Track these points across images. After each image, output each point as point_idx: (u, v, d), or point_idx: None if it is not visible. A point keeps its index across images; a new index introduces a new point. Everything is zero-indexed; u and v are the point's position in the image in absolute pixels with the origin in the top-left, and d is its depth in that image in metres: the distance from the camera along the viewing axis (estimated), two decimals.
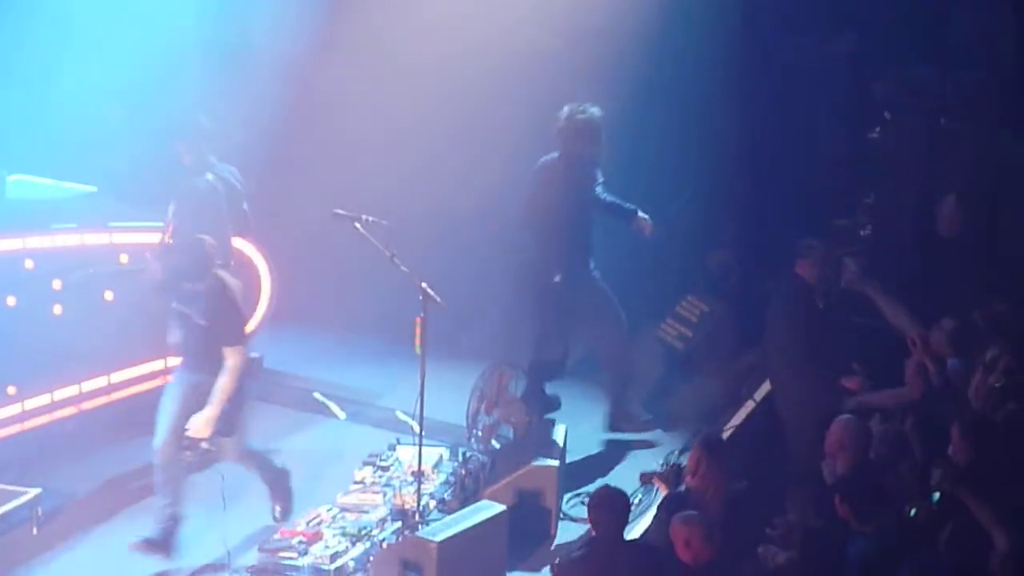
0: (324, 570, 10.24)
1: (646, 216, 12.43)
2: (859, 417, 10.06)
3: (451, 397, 11.79)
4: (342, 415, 13.00)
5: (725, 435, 11.63)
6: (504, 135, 13.82)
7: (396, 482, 11.21)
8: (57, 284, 11.77)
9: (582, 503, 11.06)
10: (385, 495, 11.08)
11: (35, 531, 10.83)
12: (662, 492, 10.40)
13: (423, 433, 10.72)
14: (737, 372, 12.74)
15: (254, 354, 13.11)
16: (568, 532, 11.08)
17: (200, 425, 10.32)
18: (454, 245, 13.90)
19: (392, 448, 11.77)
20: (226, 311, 10.42)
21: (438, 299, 10.53)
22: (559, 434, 11.67)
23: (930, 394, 10.34)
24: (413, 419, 10.98)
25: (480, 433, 11.81)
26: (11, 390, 11.60)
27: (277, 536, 10.50)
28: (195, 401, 10.36)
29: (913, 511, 9.28)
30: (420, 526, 10.51)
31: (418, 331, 10.54)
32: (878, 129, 13.26)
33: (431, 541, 9.95)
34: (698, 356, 13.32)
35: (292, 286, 13.26)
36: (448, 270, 12.07)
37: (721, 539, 8.98)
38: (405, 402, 11.56)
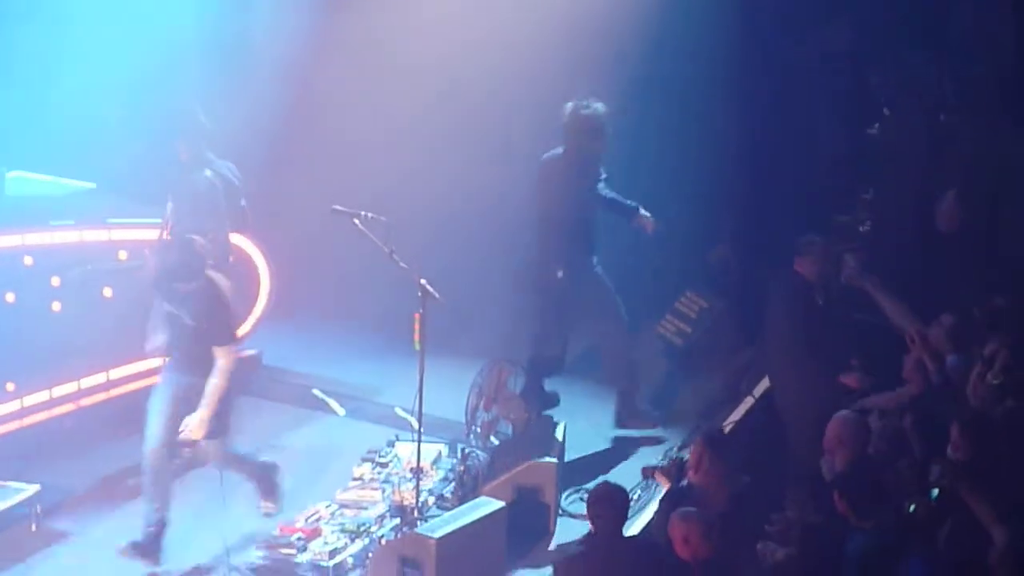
0: (323, 567, 10.25)
1: (648, 214, 12.43)
2: (858, 413, 10.04)
3: (450, 393, 11.79)
4: (341, 411, 13.00)
5: (725, 431, 11.63)
6: (503, 132, 13.85)
7: (395, 478, 11.21)
8: (56, 281, 11.77)
9: (581, 500, 11.06)
10: (384, 491, 11.09)
11: (34, 528, 10.83)
12: (664, 487, 10.39)
13: (422, 429, 10.75)
14: (736, 368, 12.74)
15: (252, 351, 13.17)
16: (567, 528, 11.07)
17: (195, 427, 10.26)
18: (453, 241, 13.91)
19: (391, 444, 11.77)
20: (217, 311, 10.34)
21: (437, 295, 10.54)
22: (558, 431, 11.67)
23: (929, 391, 10.34)
24: (412, 415, 11.01)
25: (479, 429, 11.82)
26: (10, 386, 11.59)
27: (276, 533, 10.50)
28: (185, 403, 10.30)
29: (912, 507, 9.27)
30: (419, 522, 10.51)
31: (417, 327, 10.56)
32: (877, 125, 13.26)
33: (430, 537, 9.95)
34: (697, 352, 13.32)
35: (291, 282, 13.27)
36: (447, 266, 12.10)
37: (721, 535, 8.98)
38: (404, 398, 11.57)
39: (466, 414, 11.86)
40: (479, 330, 13.42)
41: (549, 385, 12.52)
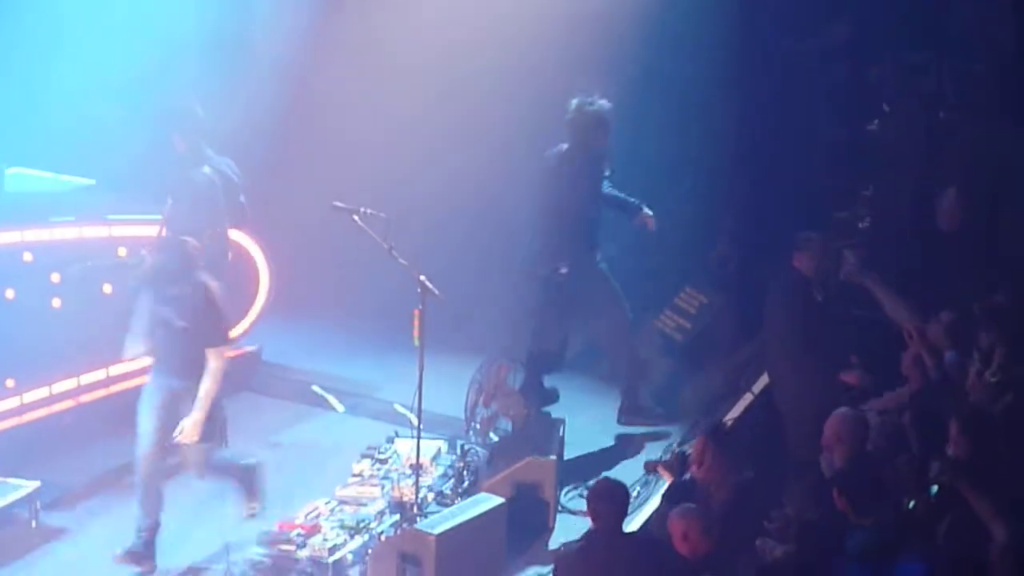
0: (322, 563, 10.24)
1: (650, 212, 12.42)
2: (856, 410, 10.05)
3: (449, 390, 11.80)
4: (340, 408, 13.01)
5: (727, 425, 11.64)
6: (503, 131, 13.82)
7: (394, 475, 11.20)
8: (56, 277, 11.78)
9: (581, 496, 11.06)
10: (383, 488, 11.08)
11: (34, 524, 10.84)
12: (667, 481, 10.41)
13: (421, 426, 10.75)
14: (735, 364, 12.74)
15: (252, 347, 13.18)
16: (567, 525, 11.07)
17: (189, 430, 10.20)
18: (452, 238, 13.90)
19: (390, 441, 11.77)
20: (209, 313, 10.29)
21: (436, 292, 10.54)
22: (557, 427, 11.68)
23: (928, 387, 10.34)
24: (411, 412, 11.01)
25: (478, 426, 11.83)
26: (10, 383, 11.61)
27: (275, 529, 10.50)
28: (175, 406, 10.25)
29: (911, 504, 9.28)
30: (418, 519, 10.51)
31: (416, 323, 10.55)
32: (877, 122, 13.26)
33: (429, 534, 9.96)
34: (697, 348, 13.32)
35: (291, 279, 13.28)
36: (446, 263, 12.09)
37: (721, 531, 8.99)
38: (403, 395, 11.58)
39: (465, 410, 11.87)
40: (478, 326, 13.42)
41: (548, 381, 12.52)
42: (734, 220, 13.94)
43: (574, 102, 12.12)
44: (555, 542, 10.87)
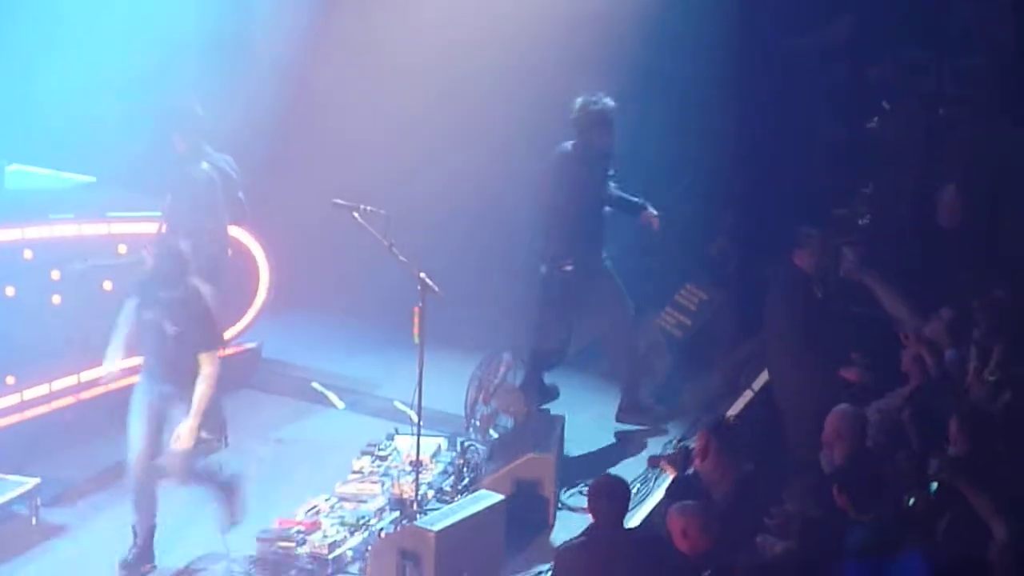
0: (322, 560, 10.25)
1: (655, 211, 12.42)
2: (856, 407, 10.05)
3: (449, 387, 11.80)
4: (340, 404, 13.01)
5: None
6: (502, 128, 13.82)
7: (394, 472, 11.21)
8: (56, 274, 11.78)
9: (581, 493, 11.07)
10: (383, 485, 11.09)
11: (34, 521, 10.83)
12: (670, 475, 10.40)
13: (421, 423, 10.75)
14: (735, 361, 12.74)
15: (252, 344, 13.19)
16: (567, 522, 11.07)
17: (185, 436, 10.12)
18: (453, 235, 13.90)
19: (390, 438, 11.78)
20: (201, 318, 10.22)
21: (436, 289, 10.54)
22: (557, 424, 11.68)
23: (928, 384, 10.34)
24: (411, 409, 11.01)
25: (478, 423, 11.84)
26: (10, 380, 11.60)
27: (275, 526, 10.50)
28: (166, 410, 10.19)
29: (911, 501, 9.28)
30: (418, 516, 10.52)
31: (416, 321, 10.55)
32: (876, 119, 13.27)
33: (429, 530, 9.94)
34: (697, 344, 13.33)
35: (291, 276, 13.28)
36: (446, 260, 12.09)
37: (721, 527, 8.99)
38: (403, 392, 11.59)
39: (465, 407, 11.88)
40: (478, 323, 13.41)
41: (549, 378, 12.52)
42: (734, 220, 13.95)
43: (579, 101, 12.12)
44: (555, 539, 10.86)
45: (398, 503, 10.80)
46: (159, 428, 10.19)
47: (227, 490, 10.48)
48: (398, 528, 10.46)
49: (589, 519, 9.15)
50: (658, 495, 10.96)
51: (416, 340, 10.54)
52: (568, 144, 12.21)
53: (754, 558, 9.18)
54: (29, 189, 12.75)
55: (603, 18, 13.52)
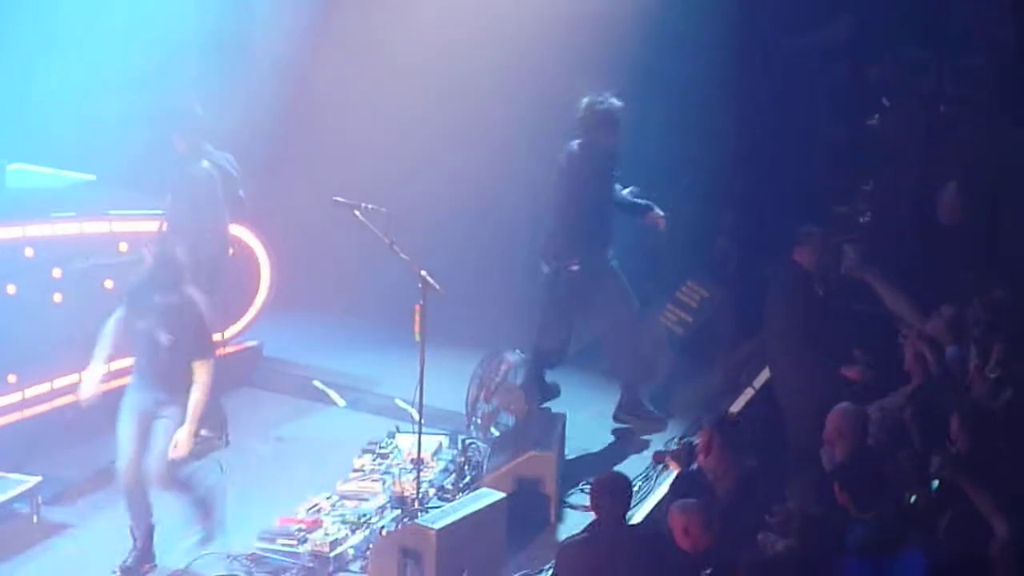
0: (323, 558, 10.25)
1: (661, 212, 12.41)
2: (857, 405, 10.06)
3: (450, 385, 11.81)
4: (341, 403, 13.01)
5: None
6: (502, 128, 13.83)
7: (395, 470, 11.22)
8: (57, 272, 11.78)
9: (582, 491, 11.07)
10: (384, 483, 11.10)
11: (35, 519, 10.82)
12: (674, 471, 10.40)
13: (422, 421, 10.74)
14: (736, 360, 12.75)
15: (253, 342, 13.19)
16: (569, 520, 11.08)
17: (183, 443, 10.09)
18: (453, 233, 13.90)
19: (391, 436, 11.79)
20: (195, 326, 10.20)
21: (437, 287, 10.55)
22: (558, 422, 11.68)
23: (929, 382, 10.35)
24: (412, 407, 11.02)
25: (479, 421, 11.84)
26: (11, 378, 11.60)
27: (276, 524, 10.50)
28: (156, 416, 10.14)
29: (913, 499, 9.28)
30: (419, 514, 10.52)
31: (417, 318, 10.56)
32: (877, 117, 13.28)
33: (430, 528, 9.94)
34: (698, 342, 13.34)
35: (292, 274, 13.29)
36: (447, 258, 12.09)
37: (723, 524, 9.00)
38: (404, 390, 11.59)
39: (466, 405, 11.88)
40: (479, 321, 13.41)
41: (550, 377, 12.52)
42: (734, 220, 13.96)
43: (585, 100, 12.11)
44: (557, 537, 10.86)
45: (399, 501, 10.80)
46: (149, 430, 10.14)
47: (202, 506, 10.37)
48: (399, 526, 10.47)
49: (591, 516, 9.16)
50: (660, 492, 10.96)
51: (417, 338, 10.54)
52: (574, 143, 12.21)
53: (755, 556, 9.18)
54: (30, 187, 12.75)
55: (603, 18, 13.52)
